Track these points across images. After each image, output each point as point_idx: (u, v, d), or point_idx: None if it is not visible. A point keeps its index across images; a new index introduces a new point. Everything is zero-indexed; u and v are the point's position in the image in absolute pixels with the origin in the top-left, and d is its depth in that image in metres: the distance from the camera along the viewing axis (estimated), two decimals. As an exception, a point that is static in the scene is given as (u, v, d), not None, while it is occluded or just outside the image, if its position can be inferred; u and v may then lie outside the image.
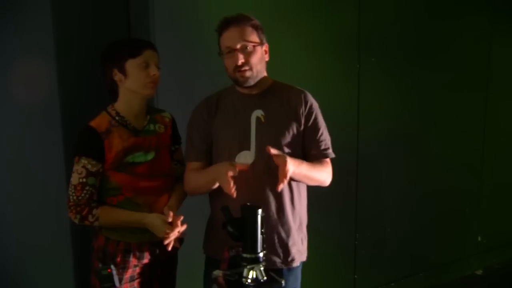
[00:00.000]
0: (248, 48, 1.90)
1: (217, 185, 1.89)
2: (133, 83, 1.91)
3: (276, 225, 1.97)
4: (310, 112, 2.00)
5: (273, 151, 1.80)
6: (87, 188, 1.87)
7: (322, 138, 2.03)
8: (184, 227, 1.92)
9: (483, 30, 3.83)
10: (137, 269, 1.97)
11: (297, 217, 2.03)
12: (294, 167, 1.84)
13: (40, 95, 2.25)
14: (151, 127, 2.00)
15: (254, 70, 1.91)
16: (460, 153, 3.82)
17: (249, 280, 1.51)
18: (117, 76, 1.92)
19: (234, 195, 1.79)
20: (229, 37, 1.90)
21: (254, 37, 1.92)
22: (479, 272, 4.07)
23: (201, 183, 1.98)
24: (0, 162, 2.22)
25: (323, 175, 2.01)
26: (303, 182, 2.02)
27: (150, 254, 1.97)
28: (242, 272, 1.53)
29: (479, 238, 4.09)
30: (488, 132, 3.98)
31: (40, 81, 2.25)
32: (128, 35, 2.50)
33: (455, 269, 3.94)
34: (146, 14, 2.43)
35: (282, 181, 1.79)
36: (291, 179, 1.93)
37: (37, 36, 2.22)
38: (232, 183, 1.78)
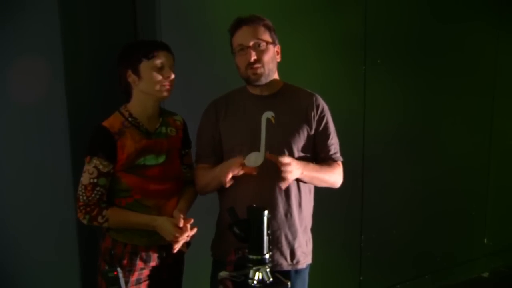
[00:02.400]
0: (260, 46, 1.90)
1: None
2: (146, 85, 1.89)
3: (284, 226, 1.97)
4: (322, 116, 2.01)
5: (272, 156, 1.80)
6: (97, 188, 1.86)
7: (332, 142, 2.04)
8: (194, 231, 1.90)
9: (490, 33, 3.81)
10: (144, 272, 1.95)
11: (303, 219, 2.03)
12: (300, 168, 1.85)
13: (46, 95, 2.26)
14: (163, 130, 1.99)
15: (266, 68, 1.91)
16: (467, 155, 3.81)
17: (255, 282, 1.51)
18: (131, 77, 1.90)
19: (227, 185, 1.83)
20: (242, 35, 1.91)
21: (266, 36, 1.93)
22: (486, 274, 4.06)
23: (209, 179, 1.97)
24: (7, 163, 2.23)
25: (332, 176, 2.01)
26: (313, 184, 2.02)
27: (157, 257, 1.96)
28: (248, 274, 1.53)
29: (486, 241, 4.07)
30: (494, 134, 3.97)
31: (47, 81, 2.26)
32: (134, 35, 2.51)
33: (461, 271, 3.92)
34: (153, 14, 2.44)
35: (284, 181, 1.80)
36: (300, 181, 1.94)
37: (44, 36, 2.23)
38: (229, 177, 1.81)
